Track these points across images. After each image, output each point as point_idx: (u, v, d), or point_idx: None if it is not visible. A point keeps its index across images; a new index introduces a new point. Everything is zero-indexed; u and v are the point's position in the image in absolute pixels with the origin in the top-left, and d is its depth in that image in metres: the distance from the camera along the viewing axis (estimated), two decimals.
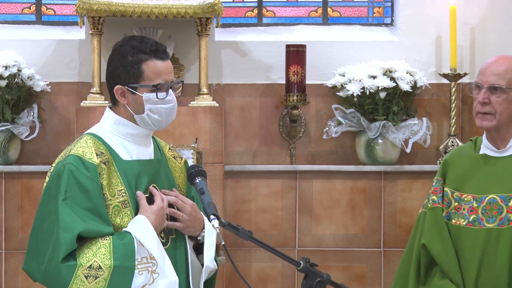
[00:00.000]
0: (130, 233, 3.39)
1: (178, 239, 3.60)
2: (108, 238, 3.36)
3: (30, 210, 5.87)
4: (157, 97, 3.47)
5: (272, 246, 3.62)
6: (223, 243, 3.44)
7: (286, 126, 6.10)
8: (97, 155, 3.44)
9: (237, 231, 3.48)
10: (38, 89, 5.86)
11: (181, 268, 3.54)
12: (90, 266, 3.32)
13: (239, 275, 3.47)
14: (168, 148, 3.73)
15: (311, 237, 6.03)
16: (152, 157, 3.59)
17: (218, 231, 3.41)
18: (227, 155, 5.90)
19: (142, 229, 3.41)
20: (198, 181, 3.57)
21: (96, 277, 3.32)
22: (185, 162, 3.75)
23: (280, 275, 6.00)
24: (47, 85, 5.91)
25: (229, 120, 6.02)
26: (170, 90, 3.51)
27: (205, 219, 3.62)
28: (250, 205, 6.03)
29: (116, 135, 3.54)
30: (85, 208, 3.37)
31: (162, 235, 3.50)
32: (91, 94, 5.75)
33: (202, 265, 3.63)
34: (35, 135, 5.91)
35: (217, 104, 5.79)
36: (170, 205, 3.56)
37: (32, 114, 5.88)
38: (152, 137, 3.66)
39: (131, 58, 3.46)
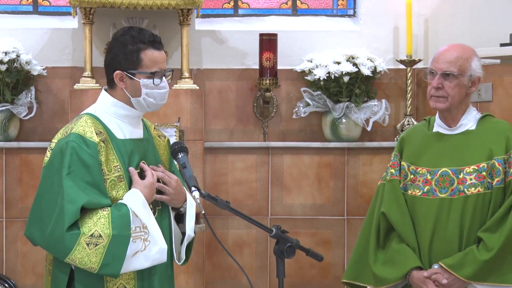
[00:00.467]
0: (125, 205, 3.39)
1: (163, 210, 3.60)
2: (107, 209, 3.36)
3: (28, 182, 5.84)
4: (153, 83, 3.49)
5: (247, 214, 3.61)
6: (203, 212, 3.45)
7: (260, 107, 6.09)
8: (96, 134, 3.44)
9: (216, 201, 3.48)
10: (35, 73, 5.83)
11: (165, 235, 3.54)
12: (91, 235, 3.32)
13: (217, 240, 3.46)
14: (153, 127, 3.74)
15: (282, 207, 6.03)
16: (142, 136, 3.60)
17: (198, 201, 3.43)
18: (206, 133, 5.88)
19: (136, 202, 3.42)
20: (180, 156, 3.59)
21: (96, 245, 3.32)
22: (168, 140, 3.77)
23: (254, 241, 6.01)
24: (43, 69, 5.88)
25: (208, 102, 6.01)
26: (164, 78, 3.53)
27: (187, 193, 3.63)
28: (227, 178, 6.02)
29: (112, 115, 3.54)
30: (87, 182, 3.37)
31: (150, 206, 3.50)
32: (83, 78, 5.74)
33: (182, 233, 3.64)
34: (32, 114, 5.88)
35: (198, 87, 5.78)
36: (157, 180, 3.57)
37: (30, 95, 5.85)
38: None
39: (131, 47, 3.47)
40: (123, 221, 3.36)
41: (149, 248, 3.41)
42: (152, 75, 3.48)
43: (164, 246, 3.44)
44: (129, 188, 3.46)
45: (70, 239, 3.31)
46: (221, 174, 6.02)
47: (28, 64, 5.79)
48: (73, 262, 3.34)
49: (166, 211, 3.61)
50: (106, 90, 3.57)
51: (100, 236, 3.33)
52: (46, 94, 5.96)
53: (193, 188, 3.44)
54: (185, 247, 3.63)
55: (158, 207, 3.58)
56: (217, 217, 5.80)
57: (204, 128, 5.75)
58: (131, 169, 3.49)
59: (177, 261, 3.64)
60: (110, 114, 3.53)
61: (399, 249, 3.97)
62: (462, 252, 3.87)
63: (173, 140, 5.46)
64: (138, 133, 3.59)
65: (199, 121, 5.67)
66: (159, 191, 3.57)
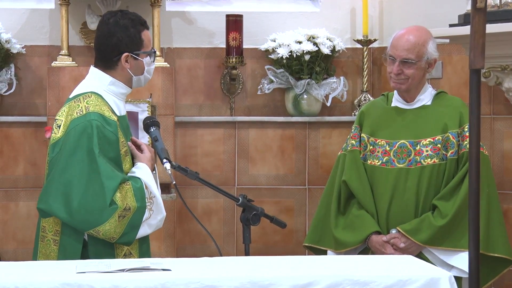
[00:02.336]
0: (139, 178, 3.43)
1: None
2: (128, 183, 3.40)
3: (8, 154, 5.76)
4: (153, 61, 3.57)
5: (215, 184, 3.59)
6: (174, 182, 3.45)
7: (227, 84, 6.05)
8: (110, 113, 3.46)
9: (186, 172, 3.48)
10: (14, 51, 5.74)
11: None
12: (124, 208, 3.36)
13: (187, 209, 3.44)
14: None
15: (248, 177, 6.02)
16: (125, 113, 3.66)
17: (169, 172, 3.43)
18: (177, 108, 5.84)
19: (146, 175, 3.46)
20: (152, 130, 3.59)
21: (124, 216, 3.36)
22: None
23: (222, 209, 5.99)
24: (22, 47, 5.79)
25: (178, 79, 5.96)
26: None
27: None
28: (196, 150, 5.99)
29: (110, 94, 3.53)
30: (110, 158, 3.40)
31: None
32: (60, 56, 5.66)
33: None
34: (12, 90, 5.79)
35: (168, 65, 5.73)
36: None
37: (9, 72, 5.77)
38: None
39: (133, 30, 3.50)
40: (142, 194, 3.41)
41: (153, 217, 3.46)
42: (152, 53, 3.56)
43: (164, 213, 3.50)
44: (132, 161, 3.51)
45: (109, 213, 3.33)
46: (190, 146, 5.99)
47: (8, 43, 5.70)
48: (96, 233, 3.37)
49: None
50: (101, 70, 3.54)
51: (129, 208, 3.37)
52: (25, 71, 5.89)
53: (164, 160, 3.44)
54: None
55: None
56: (187, 187, 5.77)
57: (174, 103, 5.71)
58: (130, 143, 3.53)
59: None
60: (109, 93, 3.52)
61: (359, 214, 3.97)
62: (418, 218, 3.88)
63: (145, 114, 5.41)
64: (125, 110, 3.63)
65: (169, 97, 5.63)
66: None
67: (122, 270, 2.81)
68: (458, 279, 3.77)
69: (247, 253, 3.43)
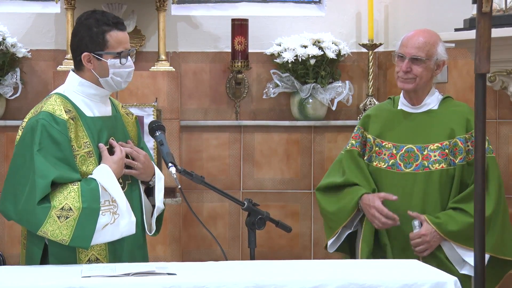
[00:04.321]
0: (95, 179, 3.34)
1: (133, 184, 3.55)
2: (76, 184, 3.30)
3: None
4: (120, 63, 3.43)
5: (221, 189, 3.58)
6: (179, 186, 3.43)
7: (232, 88, 6.05)
8: (65, 112, 3.38)
9: (191, 176, 3.46)
10: (20, 55, 5.75)
11: (136, 208, 3.50)
12: (62, 208, 3.26)
13: (193, 213, 3.43)
14: (121, 106, 3.70)
15: (253, 181, 6.01)
16: (110, 114, 3.55)
17: (175, 176, 3.40)
18: (182, 112, 5.85)
19: (105, 176, 3.36)
20: (158, 134, 3.57)
21: (67, 217, 3.26)
22: (136, 118, 3.72)
23: (228, 213, 5.99)
24: (28, 52, 5.80)
25: (183, 83, 5.97)
26: (129, 57, 3.48)
27: (156, 167, 3.58)
28: (202, 155, 5.99)
29: (80, 94, 3.48)
30: (57, 157, 3.31)
31: (120, 180, 3.45)
32: (65, 60, 5.67)
33: (153, 205, 3.59)
34: (18, 94, 5.80)
35: (174, 69, 5.73)
36: (126, 156, 3.52)
37: (15, 76, 5.79)
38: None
39: (96, 29, 3.41)
40: (93, 195, 3.30)
41: (117, 222, 3.35)
42: (118, 55, 3.42)
43: (133, 218, 3.38)
44: (99, 163, 3.41)
45: (42, 212, 3.24)
46: (196, 150, 5.99)
47: (14, 47, 5.71)
48: (45, 235, 3.27)
49: (136, 185, 3.56)
50: (73, 71, 3.52)
51: (71, 209, 3.26)
52: (31, 75, 5.90)
53: (170, 164, 3.42)
54: (155, 218, 3.59)
55: (128, 181, 3.52)
56: (193, 191, 5.77)
57: (180, 107, 5.72)
58: (101, 145, 3.44)
59: (148, 232, 3.60)
60: (78, 93, 3.47)
61: (351, 188, 3.96)
62: (443, 212, 3.85)
63: (151, 119, 5.42)
64: (107, 111, 3.53)
65: (175, 101, 5.64)
66: (128, 166, 3.51)
67: (128, 275, 2.81)
68: (468, 279, 3.77)
69: (252, 257, 3.43)
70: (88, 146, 3.40)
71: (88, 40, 3.41)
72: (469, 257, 3.80)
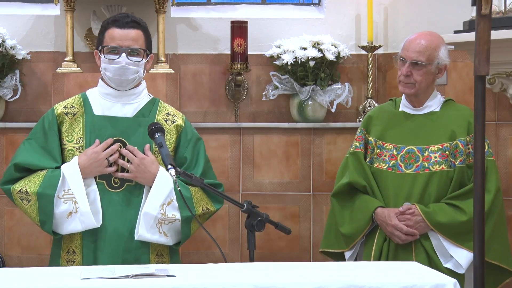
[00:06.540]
0: (60, 169, 3.48)
1: (135, 187, 3.54)
2: (45, 171, 3.45)
3: None
4: (105, 57, 3.50)
5: (220, 191, 3.57)
6: (179, 188, 3.43)
7: (231, 90, 6.05)
8: (64, 107, 3.54)
9: (191, 178, 3.47)
10: (20, 57, 5.75)
11: (130, 211, 3.49)
12: (19, 190, 3.43)
13: (192, 215, 3.42)
14: (165, 113, 3.67)
15: (253, 183, 6.01)
16: (128, 116, 3.56)
17: (174, 178, 3.40)
18: None
19: (69, 166, 3.45)
20: (157, 136, 3.58)
21: (29, 201, 3.41)
22: (177, 126, 3.68)
23: (227, 215, 5.98)
24: (28, 54, 5.80)
25: (183, 85, 5.97)
26: (124, 54, 3.48)
27: (167, 174, 3.54)
28: None
29: (98, 94, 3.60)
30: (42, 146, 3.50)
31: (117, 180, 3.48)
32: (65, 62, 5.66)
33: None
34: (17, 96, 5.80)
35: (173, 71, 5.73)
36: (123, 158, 3.58)
37: (15, 78, 5.79)
38: (156, 101, 3.65)
39: (102, 28, 3.57)
40: (51, 182, 3.41)
41: (80, 211, 3.41)
42: (108, 50, 3.51)
43: (86, 209, 3.41)
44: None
45: (7, 191, 3.51)
46: None
47: (13, 49, 5.71)
48: (28, 216, 3.51)
49: (140, 189, 3.56)
50: None
51: (27, 192, 3.41)
52: (30, 77, 5.90)
53: (169, 166, 3.42)
54: (138, 225, 3.51)
55: (130, 183, 3.53)
56: None
57: (179, 109, 5.70)
58: (97, 141, 3.53)
59: (150, 240, 3.56)
60: (98, 93, 3.61)
61: (362, 199, 3.97)
62: (436, 204, 3.86)
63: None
64: (123, 112, 3.56)
65: (174, 103, 5.63)
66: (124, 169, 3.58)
67: (127, 277, 2.81)
68: (450, 274, 3.76)
69: (251, 259, 3.43)
70: (80, 142, 3.50)
71: (97, 39, 3.61)
72: (455, 252, 3.80)
